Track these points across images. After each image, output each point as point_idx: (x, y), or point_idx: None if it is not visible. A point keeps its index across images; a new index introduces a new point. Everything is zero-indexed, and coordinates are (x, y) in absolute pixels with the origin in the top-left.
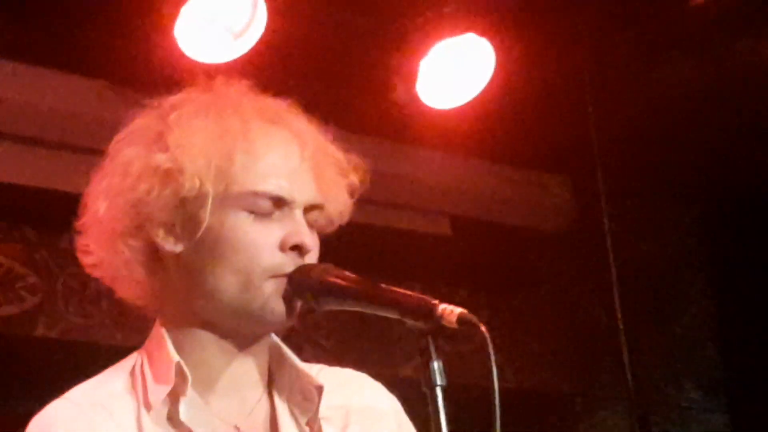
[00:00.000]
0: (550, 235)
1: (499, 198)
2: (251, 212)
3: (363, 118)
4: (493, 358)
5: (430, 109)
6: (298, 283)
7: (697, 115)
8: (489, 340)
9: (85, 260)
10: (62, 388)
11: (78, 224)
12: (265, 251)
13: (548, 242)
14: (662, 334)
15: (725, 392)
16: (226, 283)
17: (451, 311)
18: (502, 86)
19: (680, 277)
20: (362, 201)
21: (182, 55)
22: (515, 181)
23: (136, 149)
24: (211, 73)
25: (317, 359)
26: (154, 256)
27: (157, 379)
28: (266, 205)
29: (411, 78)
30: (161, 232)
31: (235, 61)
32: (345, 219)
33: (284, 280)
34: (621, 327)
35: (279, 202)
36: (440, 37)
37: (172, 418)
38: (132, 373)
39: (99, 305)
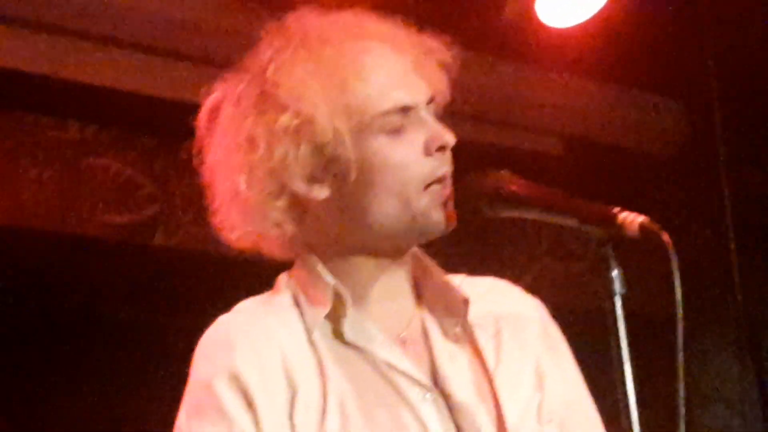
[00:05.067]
0: (662, 160)
1: (612, 119)
2: (386, 132)
3: (478, 36)
4: (676, 267)
5: (547, 27)
6: (474, 189)
7: None
8: (672, 249)
9: (230, 236)
10: (180, 296)
11: (214, 206)
12: (414, 163)
13: (660, 167)
14: None
15: None
16: (387, 207)
17: (632, 219)
18: (620, 6)
19: None
20: (476, 119)
21: None
22: (629, 103)
23: (251, 119)
24: None
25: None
26: (302, 208)
27: (313, 302)
28: (396, 119)
29: None
30: (304, 186)
31: None
32: (447, 97)
33: (438, 188)
34: (732, 248)
35: (405, 110)
36: None
37: (338, 336)
38: (291, 290)
39: None
